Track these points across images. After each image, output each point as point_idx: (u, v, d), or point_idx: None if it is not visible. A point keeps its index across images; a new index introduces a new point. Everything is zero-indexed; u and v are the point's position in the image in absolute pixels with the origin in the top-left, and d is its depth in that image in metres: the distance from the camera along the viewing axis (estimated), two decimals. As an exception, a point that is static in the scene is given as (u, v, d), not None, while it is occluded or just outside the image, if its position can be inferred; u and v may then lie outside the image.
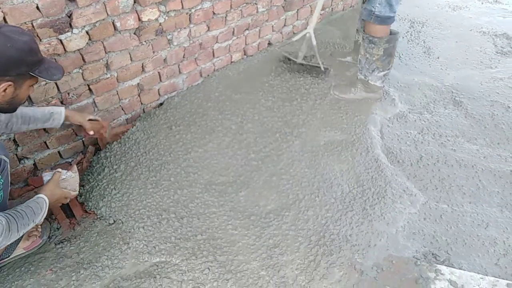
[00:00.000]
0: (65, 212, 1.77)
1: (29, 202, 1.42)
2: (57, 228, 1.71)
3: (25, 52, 1.23)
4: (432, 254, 1.66)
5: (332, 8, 3.11)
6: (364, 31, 2.18)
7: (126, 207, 1.76)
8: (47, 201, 1.47)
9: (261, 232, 1.69)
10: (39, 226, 1.64)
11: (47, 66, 1.33)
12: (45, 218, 1.70)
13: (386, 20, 2.06)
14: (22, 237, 1.58)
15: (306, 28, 2.32)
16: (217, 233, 1.68)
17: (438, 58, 2.88)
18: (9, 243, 1.33)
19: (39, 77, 1.31)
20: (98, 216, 1.75)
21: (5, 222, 1.26)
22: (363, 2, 2.14)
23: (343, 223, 1.74)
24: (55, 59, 1.67)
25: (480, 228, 1.76)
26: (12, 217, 1.30)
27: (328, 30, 3.02)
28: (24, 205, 1.39)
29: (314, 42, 2.24)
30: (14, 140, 1.73)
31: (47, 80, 1.35)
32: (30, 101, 1.69)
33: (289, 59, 2.49)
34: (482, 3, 3.66)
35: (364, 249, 1.64)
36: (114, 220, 1.73)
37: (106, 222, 1.73)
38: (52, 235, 1.68)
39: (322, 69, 2.29)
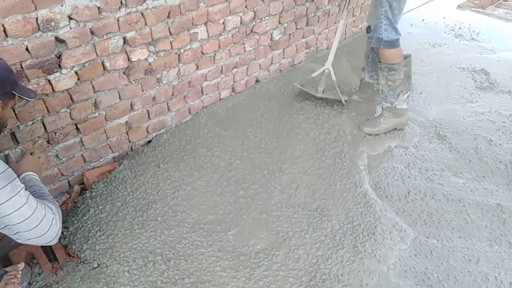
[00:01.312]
0: (48, 256, 1.70)
1: (27, 183, 1.33)
2: (38, 274, 1.64)
3: (8, 71, 1.25)
4: (425, 292, 1.63)
5: (317, 47, 3.21)
6: (380, 61, 2.30)
7: (111, 249, 1.71)
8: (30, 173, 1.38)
9: (251, 273, 1.65)
10: (20, 272, 1.57)
11: (22, 86, 1.34)
12: (26, 263, 1.64)
13: (395, 43, 2.19)
14: None
15: (324, 65, 2.49)
16: (205, 275, 1.64)
17: (420, 93, 2.97)
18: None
19: (20, 96, 1.28)
20: (82, 260, 1.69)
21: (53, 206, 1.25)
22: (368, 32, 2.27)
23: (334, 262, 1.71)
24: (42, 99, 1.67)
25: (471, 264, 1.76)
26: (46, 199, 1.28)
27: (314, 68, 3.10)
28: (30, 186, 1.31)
29: (334, 78, 2.39)
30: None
31: (27, 99, 1.32)
32: (16, 142, 1.67)
33: (308, 93, 2.61)
34: (460, 41, 3.83)
35: (356, 289, 1.61)
36: (98, 264, 1.67)
37: (90, 266, 1.67)
38: (33, 281, 1.61)
39: (343, 102, 2.47)
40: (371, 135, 2.46)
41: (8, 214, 1.11)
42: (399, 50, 2.25)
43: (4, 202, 1.09)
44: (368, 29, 2.25)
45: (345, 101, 2.52)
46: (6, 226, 1.13)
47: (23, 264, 1.59)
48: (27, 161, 1.42)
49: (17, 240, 1.18)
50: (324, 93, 2.46)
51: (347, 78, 3.02)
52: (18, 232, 1.14)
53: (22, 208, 1.13)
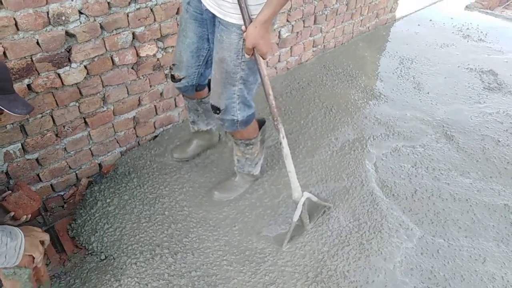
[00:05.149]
0: (55, 247, 1.72)
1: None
2: (46, 264, 1.65)
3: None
4: (431, 290, 1.63)
5: (324, 45, 3.21)
6: (235, 138, 1.86)
7: (118, 242, 1.72)
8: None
9: (257, 268, 1.66)
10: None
11: (12, 98, 1.22)
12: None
13: (251, 118, 1.77)
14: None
15: (298, 201, 1.75)
16: (212, 269, 1.65)
17: (428, 93, 2.96)
18: None
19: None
20: (90, 252, 1.71)
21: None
22: (216, 113, 1.71)
23: (340, 258, 1.71)
24: (52, 92, 1.69)
25: (477, 263, 1.75)
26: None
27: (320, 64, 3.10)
28: None
29: (315, 199, 1.82)
30: (7, 173, 1.71)
31: (5, 111, 1.18)
32: (25, 134, 1.68)
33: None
34: (468, 41, 3.81)
35: (362, 286, 1.61)
36: (105, 256, 1.68)
37: (97, 257, 1.68)
38: (41, 272, 1.62)
39: (330, 205, 1.95)
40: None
41: None
42: (254, 123, 1.82)
43: None
44: (216, 110, 1.69)
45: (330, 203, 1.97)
46: None
47: None
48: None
49: None
50: (312, 218, 1.89)
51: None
52: None
53: None
